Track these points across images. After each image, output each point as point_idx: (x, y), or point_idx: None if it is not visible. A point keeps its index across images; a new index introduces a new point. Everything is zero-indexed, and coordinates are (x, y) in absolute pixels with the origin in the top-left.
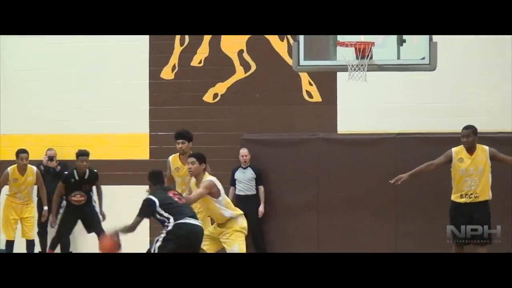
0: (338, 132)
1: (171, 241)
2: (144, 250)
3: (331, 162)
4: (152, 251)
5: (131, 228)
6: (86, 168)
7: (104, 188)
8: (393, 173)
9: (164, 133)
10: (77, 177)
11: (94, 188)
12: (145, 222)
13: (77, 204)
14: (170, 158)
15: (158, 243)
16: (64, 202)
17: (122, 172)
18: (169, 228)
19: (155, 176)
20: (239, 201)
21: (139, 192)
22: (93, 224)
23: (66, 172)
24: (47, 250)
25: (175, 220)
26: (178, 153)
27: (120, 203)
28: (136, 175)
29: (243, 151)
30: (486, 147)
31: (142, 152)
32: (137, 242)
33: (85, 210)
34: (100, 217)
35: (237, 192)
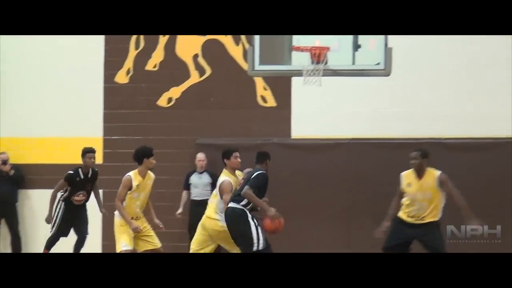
0: (292, 137)
1: None
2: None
3: (285, 167)
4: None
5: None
6: (93, 165)
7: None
8: (347, 178)
9: (118, 137)
10: (82, 176)
11: None
12: (98, 216)
13: (77, 204)
14: (132, 174)
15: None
16: (61, 203)
17: None
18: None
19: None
20: (195, 205)
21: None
22: (85, 227)
23: (70, 172)
24: (43, 250)
25: None
26: (137, 170)
27: None
28: None
29: (200, 156)
30: (437, 173)
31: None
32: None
33: (81, 211)
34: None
35: (193, 197)
